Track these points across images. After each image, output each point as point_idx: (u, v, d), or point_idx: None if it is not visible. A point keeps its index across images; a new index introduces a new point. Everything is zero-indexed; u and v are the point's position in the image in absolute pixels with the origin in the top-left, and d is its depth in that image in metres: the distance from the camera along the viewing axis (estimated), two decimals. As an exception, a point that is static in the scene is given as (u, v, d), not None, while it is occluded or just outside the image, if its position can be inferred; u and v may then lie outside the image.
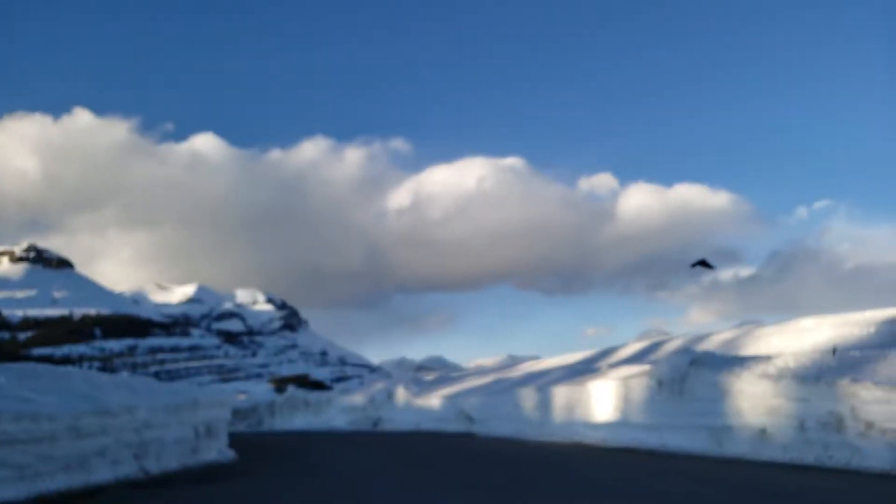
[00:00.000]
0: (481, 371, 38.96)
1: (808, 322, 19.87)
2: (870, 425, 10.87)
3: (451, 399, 23.86)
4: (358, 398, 30.33)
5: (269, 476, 12.81)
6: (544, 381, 20.71)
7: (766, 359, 13.63)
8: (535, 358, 44.72)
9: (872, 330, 17.69)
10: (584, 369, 21.59)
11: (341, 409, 30.82)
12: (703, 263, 16.41)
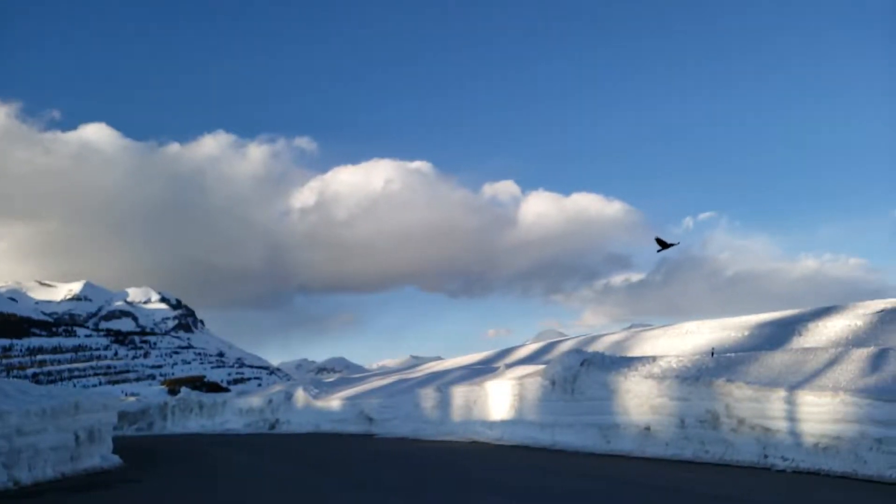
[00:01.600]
0: (383, 372, 38.87)
1: (690, 325, 21.19)
2: (741, 422, 11.72)
3: (351, 400, 23.63)
4: (255, 400, 29.42)
5: (155, 482, 12.21)
6: (444, 381, 20.92)
7: (652, 360, 14.41)
8: (438, 359, 45.11)
9: (747, 333, 19.12)
10: (484, 369, 21.99)
11: (238, 412, 29.80)
12: (663, 244, 17.10)
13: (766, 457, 11.12)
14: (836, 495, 8.79)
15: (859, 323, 18.18)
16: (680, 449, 12.42)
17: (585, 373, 14.80)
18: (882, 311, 18.82)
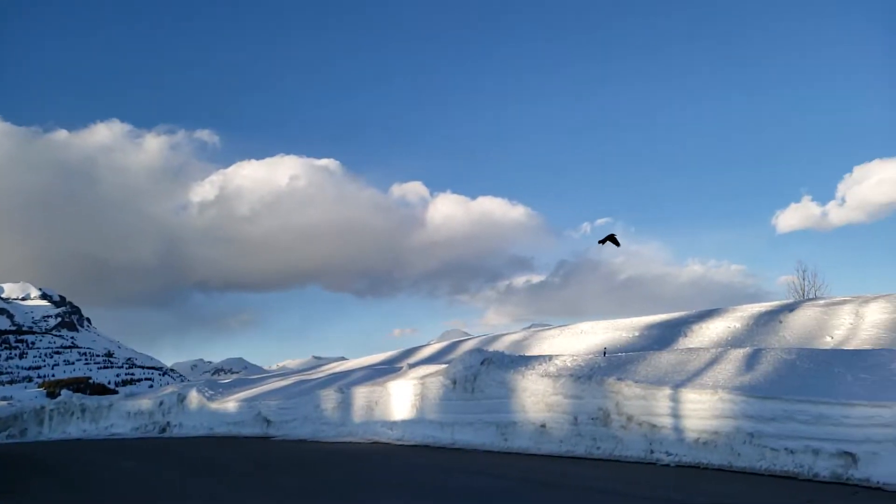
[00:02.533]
0: (284, 373, 37.89)
1: (585, 326, 21.99)
2: (630, 419, 12.26)
3: (248, 402, 22.84)
4: (145, 402, 27.90)
5: (19, 494, 11.28)
6: (346, 381, 20.63)
7: (548, 359, 14.82)
8: (341, 359, 44.50)
9: (637, 334, 20.06)
10: (387, 370, 21.88)
11: (125, 415, 28.15)
12: (611, 240, 17.41)
13: (652, 452, 11.66)
14: (714, 487, 9.35)
15: (738, 325, 19.49)
16: (573, 445, 12.84)
17: (485, 372, 15.03)
18: (758, 313, 20.26)
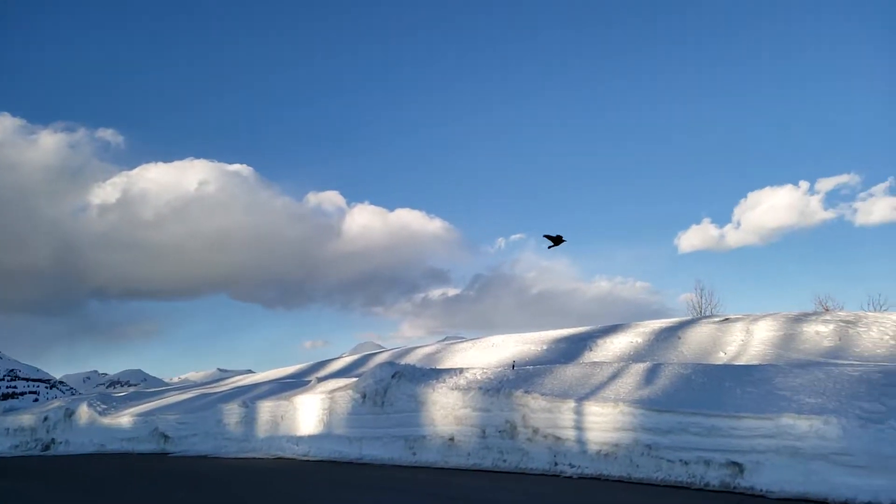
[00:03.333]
0: (185, 386, 36.23)
1: (496, 339, 22.30)
2: (536, 431, 12.47)
3: (144, 416, 21.61)
4: (27, 418, 25.85)
5: None
6: (251, 395, 19.93)
7: (459, 372, 14.89)
8: (248, 372, 43.10)
9: (545, 347, 20.52)
10: (295, 383, 21.31)
11: (3, 432, 25.97)
12: (554, 240, 17.31)
13: (556, 464, 11.89)
14: (613, 499, 9.63)
15: (640, 340, 20.31)
16: (480, 459, 12.91)
17: (396, 385, 14.91)
18: (659, 329, 21.19)
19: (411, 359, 21.87)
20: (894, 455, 8.37)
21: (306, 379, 21.44)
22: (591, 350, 20.00)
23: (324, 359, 30.86)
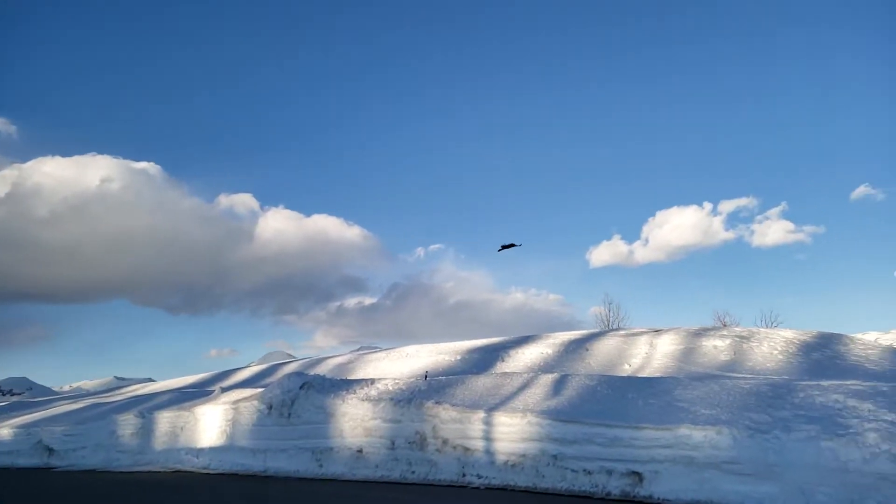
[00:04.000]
0: (77, 395, 33.98)
1: (410, 349, 22.18)
2: (445, 442, 12.42)
3: (27, 428, 20.03)
4: None
5: None
6: (149, 405, 18.88)
7: (370, 382, 14.66)
8: (148, 380, 40.92)
9: (459, 358, 20.57)
10: (197, 393, 20.37)
11: None
12: (509, 246, 16.94)
13: (464, 475, 11.87)
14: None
15: (550, 351, 20.71)
16: (389, 470, 12.72)
17: (305, 396, 14.50)
18: (568, 341, 21.70)
19: (322, 369, 21.40)
20: (778, 463, 8.85)
21: (209, 389, 20.54)
22: (503, 361, 20.20)
23: (230, 368, 29.76)
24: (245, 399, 15.75)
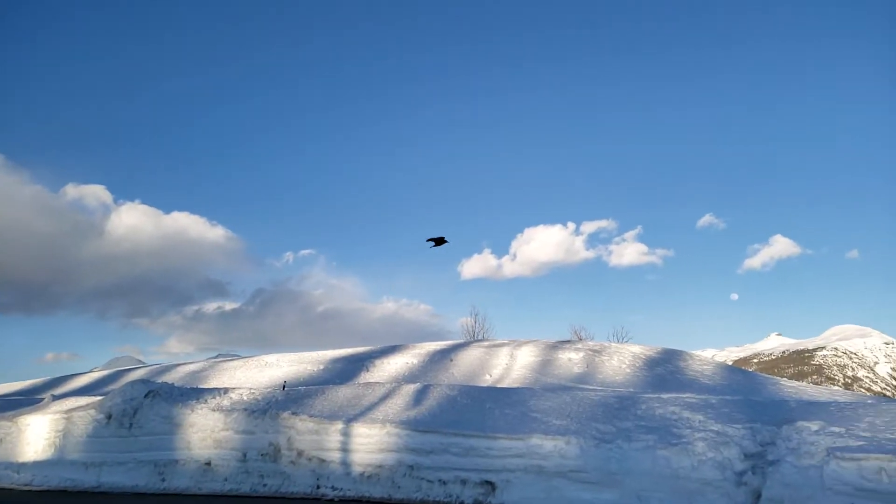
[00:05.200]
0: None
1: (270, 358, 21.38)
2: (300, 454, 12.01)
3: None
4: None
5: None
6: (-35, 414, 16.73)
7: (223, 392, 13.91)
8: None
9: (322, 367, 20.10)
10: (24, 401, 18.35)
11: None
12: (437, 241, 15.95)
13: (318, 487, 11.53)
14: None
15: (415, 361, 20.77)
16: (238, 484, 12.10)
17: (149, 405, 13.47)
18: (433, 351, 21.89)
19: (173, 377, 20.08)
20: (619, 471, 9.36)
21: (40, 396, 18.60)
22: (367, 371, 19.99)
23: (68, 373, 27.14)
24: (80, 408, 14.37)
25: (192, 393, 14.04)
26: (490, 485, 10.21)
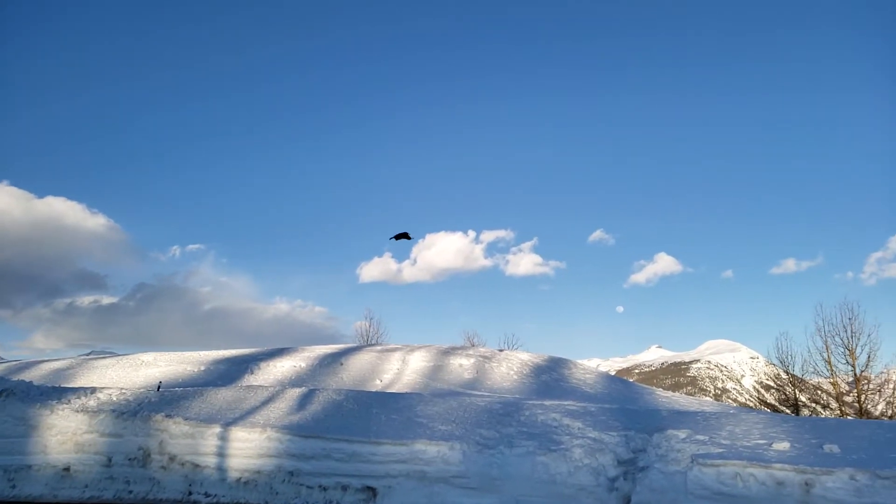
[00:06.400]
0: None
1: (147, 357, 20.14)
2: (173, 458, 11.35)
3: None
4: None
5: None
6: None
7: (90, 391, 12.94)
8: None
9: (203, 368, 19.15)
10: None
11: None
12: (401, 237, 14.79)
13: (190, 493, 10.95)
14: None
15: (304, 364, 20.24)
16: (100, 490, 11.26)
17: (1, 405, 12.29)
18: (324, 355, 21.43)
19: (33, 374, 18.47)
20: (500, 477, 9.48)
21: None
22: (252, 373, 19.26)
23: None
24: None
25: (53, 392, 12.95)
26: (371, 490, 10.06)
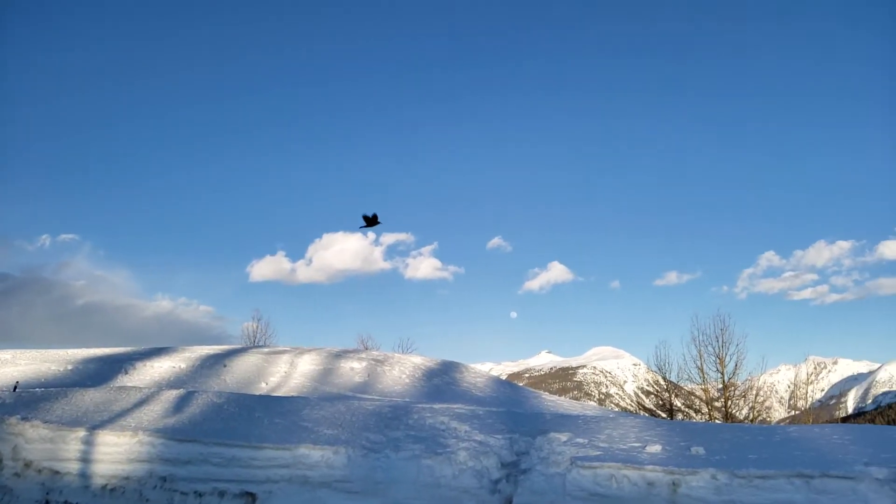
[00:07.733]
0: None
1: (5, 354, 18.42)
2: (28, 464, 10.46)
3: None
4: None
5: None
6: None
7: (-68, 391, 11.66)
8: None
9: (71, 367, 17.74)
10: None
11: None
12: (369, 220, 13.32)
13: (48, 502, 10.12)
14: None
15: (184, 365, 19.22)
16: (-63, 503, 10.15)
17: None
18: (206, 355, 20.45)
19: None
20: (384, 480, 9.38)
21: None
22: (126, 374, 18.05)
23: None
24: None
25: None
26: (251, 496, 9.66)
